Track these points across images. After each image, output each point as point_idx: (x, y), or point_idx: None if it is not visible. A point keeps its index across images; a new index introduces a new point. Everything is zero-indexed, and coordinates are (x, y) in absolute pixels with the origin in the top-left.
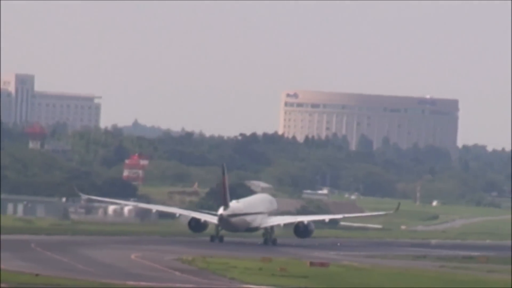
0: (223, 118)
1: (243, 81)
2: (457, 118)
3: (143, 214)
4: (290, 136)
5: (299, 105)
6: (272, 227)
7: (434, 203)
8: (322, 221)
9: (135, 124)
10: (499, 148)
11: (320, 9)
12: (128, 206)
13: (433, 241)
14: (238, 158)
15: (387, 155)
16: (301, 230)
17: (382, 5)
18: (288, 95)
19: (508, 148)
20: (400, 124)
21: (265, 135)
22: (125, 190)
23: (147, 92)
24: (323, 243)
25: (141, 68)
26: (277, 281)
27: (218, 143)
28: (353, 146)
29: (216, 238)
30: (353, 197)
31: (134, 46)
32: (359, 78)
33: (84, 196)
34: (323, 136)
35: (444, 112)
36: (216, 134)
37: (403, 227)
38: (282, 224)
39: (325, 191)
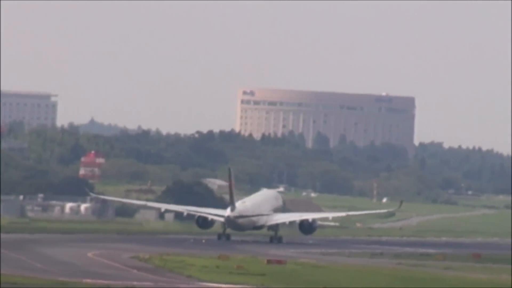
0: (179, 116)
1: (200, 78)
2: (413, 116)
3: (99, 212)
4: (247, 133)
5: (256, 102)
6: (277, 225)
7: (384, 199)
8: (326, 219)
9: (92, 122)
10: (455, 145)
11: (276, 7)
12: (84, 204)
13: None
14: (195, 156)
15: (343, 153)
16: (306, 227)
17: (337, 3)
18: (244, 92)
19: (464, 145)
20: (357, 122)
21: (221, 132)
22: (82, 189)
23: (103, 90)
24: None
25: (97, 66)
26: (234, 279)
27: (174, 141)
28: (309, 144)
29: (223, 236)
30: (313, 194)
31: (90, 44)
32: (315, 76)
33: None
34: (279, 133)
35: (400, 109)
36: (172, 132)
37: (358, 224)
38: (287, 222)
39: (281, 188)
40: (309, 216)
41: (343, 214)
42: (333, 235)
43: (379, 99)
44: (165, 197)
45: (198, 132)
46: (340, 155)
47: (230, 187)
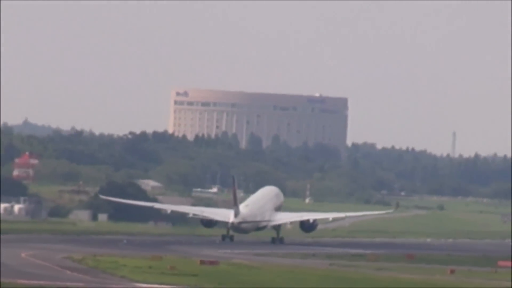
0: (113, 116)
1: (133, 79)
2: (346, 116)
3: (33, 213)
4: (180, 134)
5: (189, 103)
6: (279, 225)
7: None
8: (326, 219)
9: (26, 122)
10: (388, 146)
11: (210, 7)
12: (18, 204)
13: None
14: (128, 156)
15: (276, 154)
16: (306, 225)
17: (270, 4)
18: (178, 93)
19: (397, 146)
20: (290, 123)
21: (155, 133)
22: (15, 189)
23: (37, 91)
24: (213, 241)
25: (31, 67)
26: (167, 279)
27: (108, 141)
28: (243, 145)
29: (227, 237)
30: (242, 195)
31: (23, 44)
32: (249, 77)
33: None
34: (213, 134)
35: (333, 110)
36: (106, 132)
37: (289, 225)
38: (288, 223)
39: (215, 189)
40: (310, 216)
41: (342, 215)
42: (267, 237)
43: (312, 99)
44: (98, 198)
45: (131, 133)
46: (273, 156)
47: (234, 193)
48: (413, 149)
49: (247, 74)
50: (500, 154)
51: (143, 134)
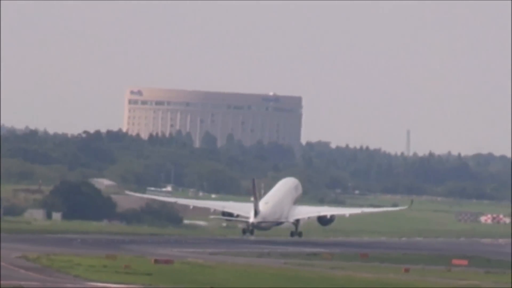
0: (67, 116)
1: (87, 78)
2: (300, 115)
3: None
4: (134, 133)
5: (143, 102)
6: (298, 220)
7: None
8: (343, 216)
9: None
10: (342, 144)
11: (164, 6)
12: None
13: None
14: (82, 156)
15: (231, 152)
16: (324, 220)
17: (225, 3)
18: (132, 92)
19: (352, 145)
20: (244, 121)
21: (109, 132)
22: None
23: None
24: (168, 240)
25: None
26: (121, 278)
27: (62, 141)
28: (197, 144)
29: (248, 231)
30: (201, 194)
31: None
32: (203, 76)
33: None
34: (167, 133)
35: (287, 109)
36: (60, 131)
37: (239, 225)
38: (306, 218)
39: (169, 188)
40: (328, 212)
41: (358, 211)
42: (221, 235)
43: (266, 98)
44: (53, 197)
45: (85, 132)
46: (228, 155)
47: (254, 194)
48: (367, 148)
49: (201, 73)
50: (454, 152)
51: (97, 133)
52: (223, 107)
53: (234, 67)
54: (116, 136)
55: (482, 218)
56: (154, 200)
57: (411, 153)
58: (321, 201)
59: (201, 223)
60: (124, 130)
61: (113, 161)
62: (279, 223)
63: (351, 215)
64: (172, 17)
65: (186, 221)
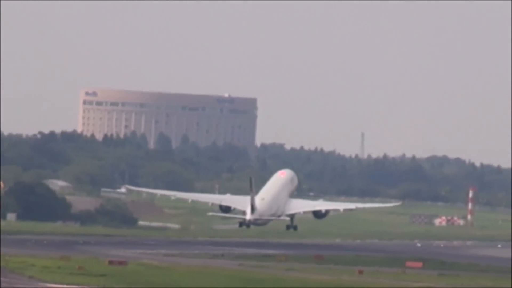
0: (22, 116)
1: (42, 79)
2: (255, 117)
3: None
4: (89, 134)
5: (98, 103)
6: (293, 214)
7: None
8: (337, 210)
9: None
10: (297, 146)
11: (117, 7)
12: None
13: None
14: (37, 156)
15: (186, 154)
16: (319, 214)
17: (180, 3)
18: (87, 93)
19: (306, 147)
20: (199, 123)
21: (63, 133)
22: None
23: None
24: (122, 241)
25: None
26: (75, 279)
27: (16, 141)
28: (151, 145)
29: (244, 224)
30: (159, 194)
31: None
32: (157, 77)
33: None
34: (121, 134)
35: (242, 110)
36: (14, 132)
37: (192, 226)
38: (302, 212)
39: (123, 189)
40: (322, 207)
41: (352, 206)
42: (175, 236)
43: (221, 100)
44: (7, 198)
45: (40, 132)
46: (182, 156)
47: (251, 192)
48: (322, 150)
49: (156, 74)
50: (409, 155)
51: (52, 134)
52: (178, 108)
53: (189, 68)
54: (71, 137)
55: (437, 220)
56: (109, 200)
57: (365, 155)
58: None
59: (156, 224)
60: (79, 131)
61: (68, 162)
62: (275, 218)
63: (347, 211)
64: (127, 18)
65: (141, 222)
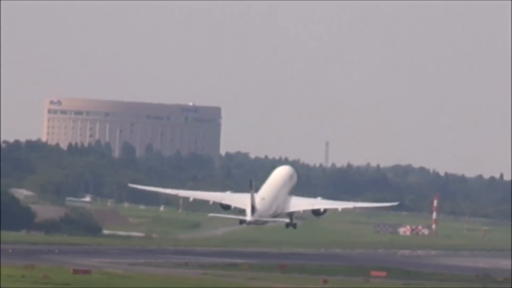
0: None
1: (6, 87)
2: (219, 126)
3: None
4: (54, 143)
5: (63, 112)
6: (292, 212)
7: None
8: (335, 209)
9: None
10: (261, 155)
11: (85, 17)
12: None
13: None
14: (1, 165)
15: (150, 163)
16: (317, 212)
17: (145, 13)
18: (51, 102)
19: (271, 156)
20: (163, 132)
21: (28, 142)
22: None
23: None
24: (87, 250)
25: None
26: None
27: None
28: (116, 153)
29: (244, 223)
30: (126, 204)
31: None
32: (122, 86)
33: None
34: (86, 143)
35: (206, 119)
36: None
37: (154, 235)
38: (301, 211)
39: (88, 198)
40: (321, 206)
41: (350, 206)
42: (140, 245)
43: (185, 109)
44: None
45: (4, 141)
46: (147, 165)
47: (251, 195)
48: (286, 159)
49: (120, 83)
50: (373, 164)
51: (17, 143)
52: (142, 117)
53: (153, 77)
54: (35, 146)
55: (401, 230)
56: (73, 209)
57: (329, 165)
58: (240, 212)
59: (121, 233)
60: (44, 140)
61: (32, 171)
62: (275, 216)
63: (344, 209)
64: (90, 27)
65: (105, 231)
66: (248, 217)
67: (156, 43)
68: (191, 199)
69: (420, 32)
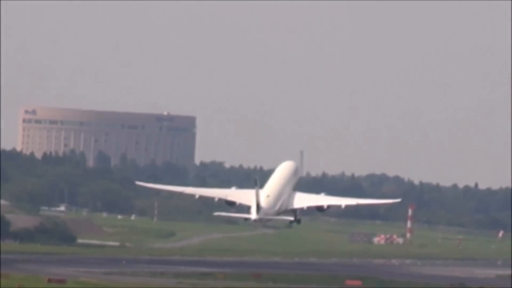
0: None
1: None
2: (194, 135)
3: None
4: (29, 152)
5: (38, 121)
6: (296, 209)
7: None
8: (339, 206)
9: None
10: (236, 165)
11: (59, 26)
12: None
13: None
14: None
15: (124, 172)
16: (320, 208)
17: (120, 22)
18: (26, 111)
19: (245, 165)
20: (138, 141)
21: (3, 152)
22: None
23: None
24: (61, 259)
25: None
26: None
27: None
28: (90, 163)
29: (248, 219)
30: (104, 214)
31: None
32: (97, 95)
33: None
34: (61, 152)
35: (181, 128)
36: None
37: (128, 244)
38: (305, 207)
39: (62, 207)
40: (325, 202)
41: (353, 202)
42: (115, 254)
43: (160, 118)
44: None
45: None
46: (121, 174)
47: (256, 194)
48: (261, 168)
49: (95, 92)
50: (348, 173)
51: None
52: (117, 126)
53: (128, 86)
54: (10, 155)
55: (375, 239)
56: (48, 218)
57: (304, 173)
58: (214, 221)
59: (95, 242)
60: (18, 149)
61: (7, 180)
62: (280, 218)
63: (347, 206)
64: (65, 36)
65: (79, 240)
66: (253, 215)
67: (130, 52)
68: (197, 196)
69: (392, 42)
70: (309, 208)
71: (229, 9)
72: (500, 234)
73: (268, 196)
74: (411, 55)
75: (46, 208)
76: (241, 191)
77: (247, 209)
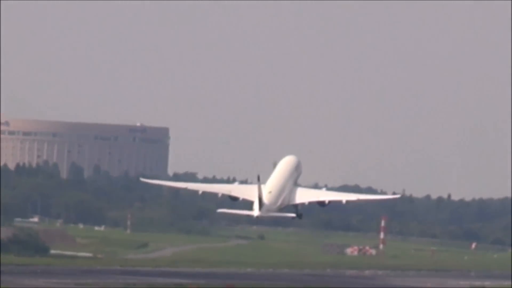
0: None
1: None
2: (167, 146)
3: None
4: (2, 164)
5: (11, 133)
6: (297, 204)
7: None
8: (339, 202)
9: None
10: (209, 176)
11: (29, 37)
12: None
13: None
14: None
15: (98, 183)
16: (322, 203)
17: (92, 33)
18: None
19: (219, 176)
20: (111, 152)
21: None
22: None
23: None
24: (34, 270)
25: None
26: None
27: None
28: (64, 174)
29: (251, 217)
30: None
31: None
32: (69, 106)
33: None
34: (34, 164)
35: (154, 140)
36: None
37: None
38: (306, 203)
39: (36, 219)
40: (326, 198)
41: (354, 198)
42: (87, 265)
43: (133, 129)
44: None
45: None
46: (94, 185)
47: (259, 190)
48: (234, 179)
49: (67, 103)
50: (321, 184)
51: None
52: (90, 138)
53: (100, 98)
54: None
55: (348, 250)
56: (21, 230)
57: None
58: (188, 232)
59: (68, 253)
60: None
61: None
62: (282, 215)
63: (347, 201)
64: (38, 47)
65: (53, 251)
66: (256, 211)
67: (102, 63)
68: (200, 192)
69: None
70: (310, 203)
71: (202, 21)
72: (473, 246)
73: (270, 192)
74: (383, 64)
75: (20, 219)
76: (244, 186)
77: (249, 204)
